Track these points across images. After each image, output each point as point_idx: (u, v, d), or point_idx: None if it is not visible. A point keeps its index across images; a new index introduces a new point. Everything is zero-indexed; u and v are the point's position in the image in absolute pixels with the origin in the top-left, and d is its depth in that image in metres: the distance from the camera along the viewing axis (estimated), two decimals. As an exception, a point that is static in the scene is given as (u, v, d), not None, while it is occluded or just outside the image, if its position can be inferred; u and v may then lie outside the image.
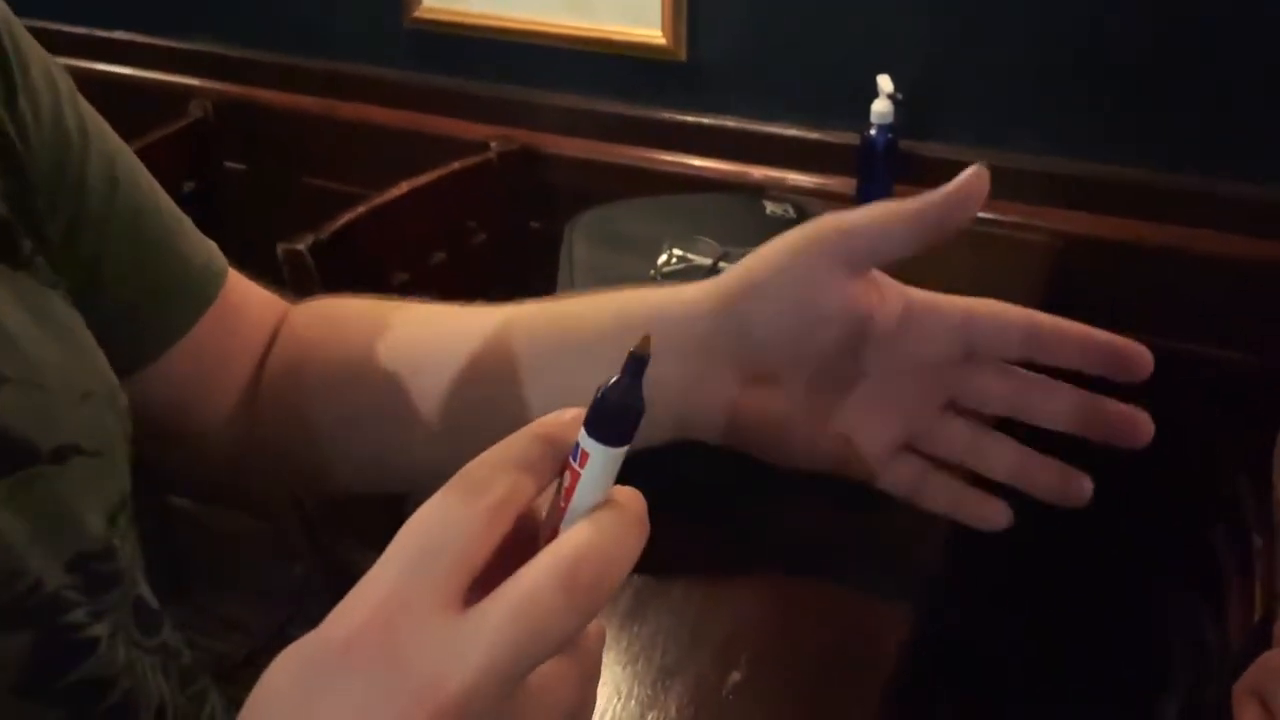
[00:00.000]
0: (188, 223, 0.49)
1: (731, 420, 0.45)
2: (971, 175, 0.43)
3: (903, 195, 1.35)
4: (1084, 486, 0.42)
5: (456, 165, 1.28)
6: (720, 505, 0.73)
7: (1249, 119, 1.12)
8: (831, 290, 0.42)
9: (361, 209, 1.17)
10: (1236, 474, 1.15)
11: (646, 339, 0.29)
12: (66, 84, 0.45)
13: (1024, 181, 1.20)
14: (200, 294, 0.49)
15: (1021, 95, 1.20)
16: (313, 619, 0.28)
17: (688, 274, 0.87)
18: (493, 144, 1.34)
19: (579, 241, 0.97)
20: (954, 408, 0.44)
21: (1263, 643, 0.80)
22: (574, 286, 0.91)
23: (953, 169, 1.44)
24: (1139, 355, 0.41)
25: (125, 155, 0.47)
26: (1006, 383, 0.43)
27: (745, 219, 0.99)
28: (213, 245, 0.50)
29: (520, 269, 1.36)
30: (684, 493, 0.56)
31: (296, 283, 1.11)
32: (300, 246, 1.09)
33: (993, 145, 1.21)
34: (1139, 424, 0.41)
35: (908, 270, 0.42)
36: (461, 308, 0.52)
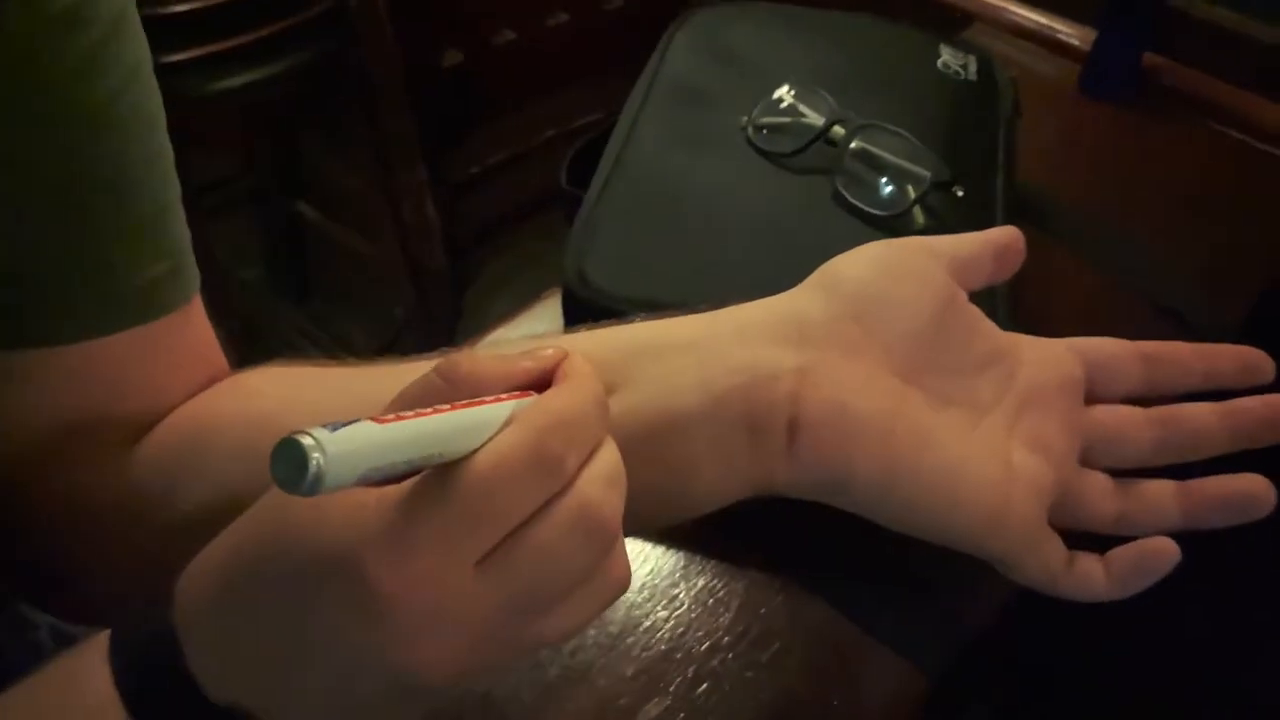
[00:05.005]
0: (170, 220, 0.41)
1: None
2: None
3: (1152, 66, 0.94)
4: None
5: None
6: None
7: None
8: None
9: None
10: None
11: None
12: None
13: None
14: (120, 312, 0.40)
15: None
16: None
17: (796, 132, 0.64)
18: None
19: (679, 47, 0.74)
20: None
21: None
22: (646, 101, 0.69)
23: (1229, 42, 1.02)
24: (1262, 361, 0.40)
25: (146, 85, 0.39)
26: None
27: (906, 66, 0.72)
28: (182, 262, 0.42)
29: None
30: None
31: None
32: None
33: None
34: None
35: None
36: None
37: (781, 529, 0.53)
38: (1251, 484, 0.39)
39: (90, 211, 0.38)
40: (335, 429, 0.25)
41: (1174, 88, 0.93)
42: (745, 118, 0.65)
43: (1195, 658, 0.62)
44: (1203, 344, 0.42)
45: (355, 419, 0.26)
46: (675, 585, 0.54)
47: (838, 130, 0.62)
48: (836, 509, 0.43)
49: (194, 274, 0.42)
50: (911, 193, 0.60)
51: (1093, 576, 0.39)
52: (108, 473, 0.41)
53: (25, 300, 0.38)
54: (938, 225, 0.59)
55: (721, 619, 0.53)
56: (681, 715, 0.50)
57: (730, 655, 0.52)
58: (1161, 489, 0.41)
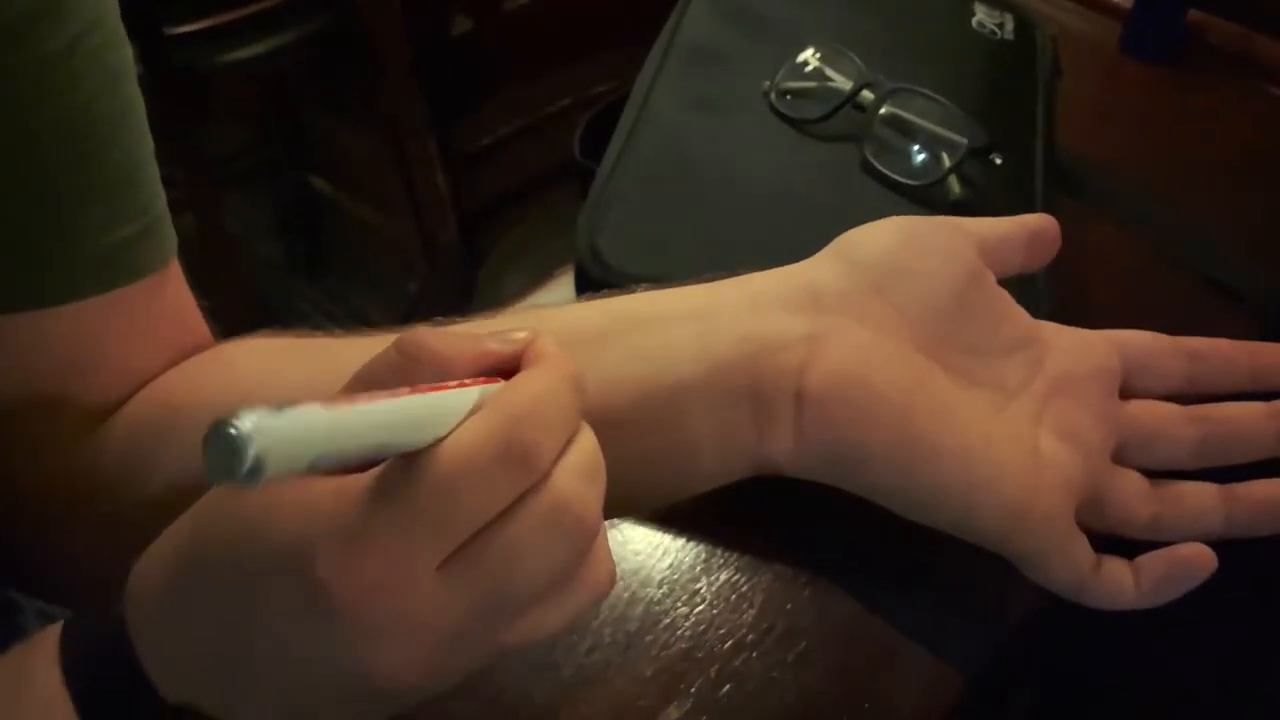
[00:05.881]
0: (144, 178, 0.37)
1: None
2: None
3: (1197, 24, 0.89)
4: None
5: None
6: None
7: None
8: None
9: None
10: None
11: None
12: None
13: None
14: (90, 276, 0.36)
15: None
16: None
17: (822, 97, 0.60)
18: None
19: (697, 8, 0.70)
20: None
21: None
22: (663, 67, 0.66)
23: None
24: None
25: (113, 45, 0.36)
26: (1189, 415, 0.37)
27: (939, 25, 0.68)
28: (156, 224, 0.38)
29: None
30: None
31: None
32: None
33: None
34: None
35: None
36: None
37: (808, 520, 0.50)
38: None
39: (53, 169, 0.35)
40: (279, 412, 0.22)
41: (1221, 47, 0.88)
42: (768, 82, 0.62)
43: (1225, 666, 0.59)
44: (1250, 341, 0.39)
45: (303, 401, 0.23)
46: (696, 580, 0.51)
47: (867, 94, 0.58)
48: (868, 500, 0.40)
49: (170, 236, 0.40)
50: (946, 161, 0.56)
51: (1121, 583, 0.37)
52: (78, 449, 0.39)
53: None
54: (974, 195, 0.56)
55: (745, 616, 0.50)
56: (703, 717, 0.47)
57: (754, 654, 0.49)
58: (1202, 492, 0.38)
